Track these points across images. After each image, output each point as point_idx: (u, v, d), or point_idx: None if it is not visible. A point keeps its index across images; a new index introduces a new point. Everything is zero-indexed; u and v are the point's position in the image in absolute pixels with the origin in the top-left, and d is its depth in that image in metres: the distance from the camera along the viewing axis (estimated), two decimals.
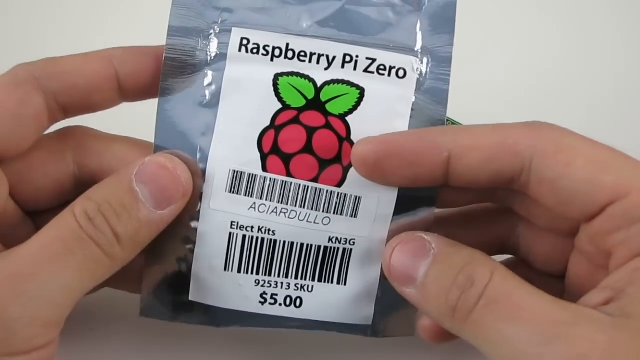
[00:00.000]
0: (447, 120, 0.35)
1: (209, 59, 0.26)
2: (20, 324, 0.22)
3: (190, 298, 0.27)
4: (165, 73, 0.25)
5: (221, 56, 0.25)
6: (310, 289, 0.27)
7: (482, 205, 0.29)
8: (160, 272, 0.26)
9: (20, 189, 0.26)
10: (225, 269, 0.26)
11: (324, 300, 0.27)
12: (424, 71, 0.26)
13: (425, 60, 0.26)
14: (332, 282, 0.27)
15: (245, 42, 0.25)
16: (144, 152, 0.26)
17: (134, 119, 0.28)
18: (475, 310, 0.22)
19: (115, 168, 0.26)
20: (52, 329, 0.23)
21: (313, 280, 0.26)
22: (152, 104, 0.26)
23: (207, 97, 0.26)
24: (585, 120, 0.38)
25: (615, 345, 0.20)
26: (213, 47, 0.25)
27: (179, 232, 0.26)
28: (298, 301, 0.27)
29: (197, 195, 0.26)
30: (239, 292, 0.26)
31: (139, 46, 0.26)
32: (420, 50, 0.26)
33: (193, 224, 0.26)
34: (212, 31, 0.25)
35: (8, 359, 0.22)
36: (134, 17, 0.27)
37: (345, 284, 0.27)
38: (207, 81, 0.26)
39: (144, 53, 0.26)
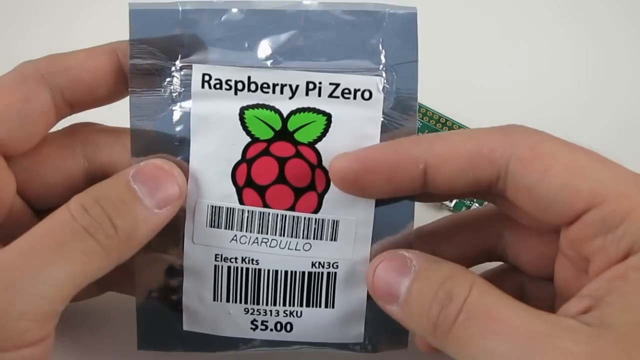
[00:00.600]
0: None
1: (174, 96, 0.25)
2: (8, 318, 0.21)
3: (185, 328, 0.27)
4: (133, 116, 0.26)
5: (186, 94, 0.25)
6: (299, 314, 0.27)
7: (468, 213, 0.28)
8: (153, 308, 0.27)
9: (31, 186, 0.26)
10: (214, 300, 0.27)
11: (314, 324, 0.27)
12: (390, 90, 0.25)
13: (390, 78, 0.25)
14: (319, 307, 0.27)
15: (207, 77, 0.25)
16: None
17: None
18: (455, 326, 0.22)
19: (125, 160, 0.26)
20: (44, 323, 0.22)
21: (301, 305, 0.27)
22: None
23: (178, 136, 0.26)
24: (582, 120, 0.38)
25: (593, 356, 0.19)
26: (176, 85, 0.25)
27: (167, 267, 0.27)
28: (288, 326, 0.27)
29: (179, 231, 0.26)
30: (230, 319, 0.27)
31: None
32: (384, 69, 0.25)
33: (179, 261, 0.26)
34: (173, 68, 0.25)
35: (1, 355, 0.22)
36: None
37: (333, 307, 0.27)
38: (175, 119, 0.26)
39: None
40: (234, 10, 0.25)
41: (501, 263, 0.29)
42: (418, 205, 0.26)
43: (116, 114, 0.27)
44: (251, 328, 0.27)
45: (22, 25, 0.41)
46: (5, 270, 0.22)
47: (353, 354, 0.28)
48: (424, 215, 0.34)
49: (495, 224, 0.28)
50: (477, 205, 0.35)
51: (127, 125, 0.27)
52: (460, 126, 0.36)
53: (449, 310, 0.22)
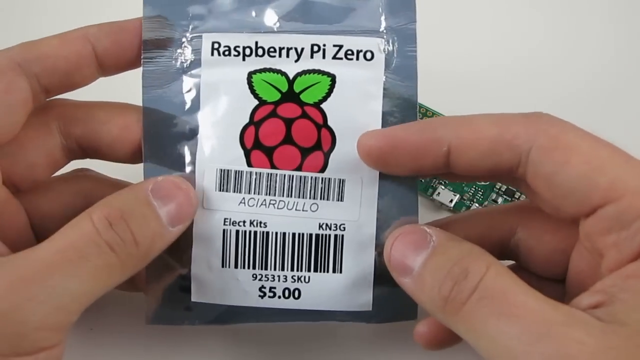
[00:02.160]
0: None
1: (185, 66, 0.27)
2: (30, 327, 0.22)
3: (193, 299, 0.27)
4: (145, 85, 0.27)
5: (196, 62, 0.27)
6: (307, 280, 0.27)
7: (482, 208, 0.29)
8: (161, 281, 0.27)
9: (15, 168, 0.26)
10: (222, 266, 0.27)
11: (322, 290, 0.27)
12: (390, 50, 0.26)
13: (391, 40, 0.27)
14: (327, 272, 0.27)
15: (216, 45, 0.26)
16: (123, 115, 0.27)
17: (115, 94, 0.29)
18: (467, 303, 0.22)
19: (99, 132, 0.26)
20: (60, 332, 0.23)
21: (309, 270, 0.27)
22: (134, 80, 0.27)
23: (188, 104, 0.27)
24: (584, 111, 0.39)
25: (604, 349, 0.20)
26: (187, 55, 0.27)
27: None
28: (296, 293, 0.27)
29: None
30: (238, 287, 0.27)
31: (113, 22, 0.27)
32: (385, 31, 0.27)
33: (188, 227, 0.27)
34: (184, 39, 0.27)
35: (16, 359, 0.22)
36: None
37: (341, 272, 0.27)
38: (185, 88, 0.27)
39: (120, 28, 0.27)
40: None
41: (510, 262, 0.29)
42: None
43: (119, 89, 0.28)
44: (259, 295, 0.27)
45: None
46: (29, 281, 0.22)
47: (362, 324, 0.28)
48: (424, 215, 0.35)
49: (510, 220, 0.28)
50: (477, 205, 0.35)
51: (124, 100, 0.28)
52: None
53: (463, 286, 0.22)
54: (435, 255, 0.24)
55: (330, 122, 0.26)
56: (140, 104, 0.27)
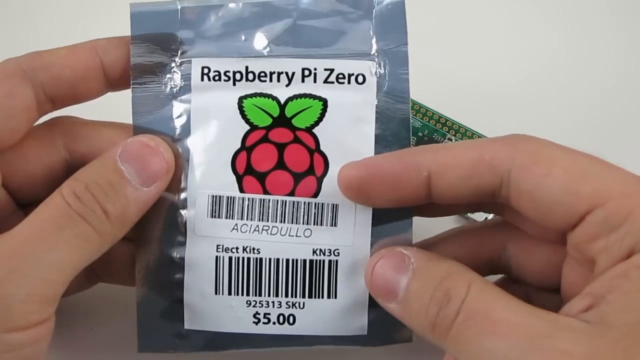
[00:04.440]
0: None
1: (174, 91, 0.26)
2: (16, 300, 0.22)
3: (186, 327, 0.27)
4: (135, 111, 0.26)
5: (186, 87, 0.26)
6: (301, 306, 0.27)
7: (470, 225, 0.29)
8: (153, 308, 0.27)
9: (15, 178, 0.27)
10: (216, 293, 0.26)
11: (317, 316, 0.27)
12: (382, 73, 0.26)
13: (382, 62, 0.26)
14: (322, 297, 0.27)
15: (206, 70, 0.26)
16: (130, 134, 0.26)
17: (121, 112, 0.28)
18: (453, 327, 0.22)
19: (104, 150, 0.26)
20: (47, 305, 0.23)
21: (303, 297, 0.27)
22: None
23: (179, 129, 0.26)
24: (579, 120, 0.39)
25: (591, 357, 0.20)
26: (177, 80, 0.26)
27: (167, 265, 0.27)
28: (291, 318, 0.27)
29: (181, 225, 0.26)
30: (232, 314, 0.27)
31: (123, 36, 0.27)
32: (376, 54, 0.26)
33: (179, 254, 0.26)
34: (173, 64, 0.26)
35: (7, 335, 0.22)
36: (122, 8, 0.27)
37: (335, 297, 0.27)
38: (176, 113, 0.26)
39: (128, 42, 0.27)
40: (231, 5, 0.27)
41: (502, 276, 0.29)
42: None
43: (114, 111, 0.28)
44: (253, 322, 0.27)
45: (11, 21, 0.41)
46: (10, 256, 0.23)
47: (357, 348, 0.27)
48: (422, 224, 0.35)
49: (498, 235, 0.28)
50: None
51: (122, 120, 0.28)
52: (460, 126, 0.36)
53: (448, 310, 0.22)
54: (415, 278, 0.24)
55: (322, 147, 0.26)
56: None
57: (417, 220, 0.27)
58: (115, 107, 0.27)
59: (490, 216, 0.34)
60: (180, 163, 0.26)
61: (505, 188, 0.24)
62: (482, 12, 0.42)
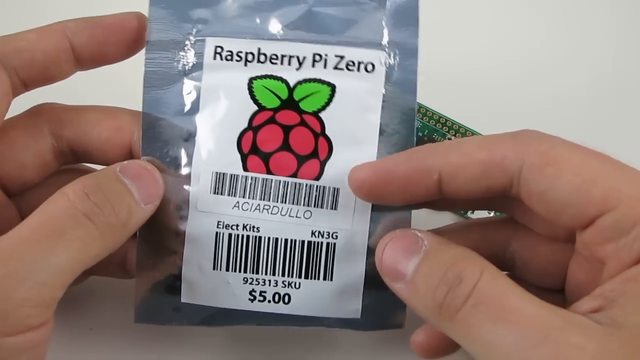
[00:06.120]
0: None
1: (186, 69, 0.27)
2: (13, 304, 0.22)
3: (183, 300, 0.27)
4: (146, 85, 0.27)
5: (198, 65, 0.27)
6: (297, 286, 0.27)
7: (476, 220, 0.29)
8: (151, 280, 0.27)
9: (4, 168, 0.27)
10: (214, 268, 0.27)
11: (312, 296, 0.27)
12: (392, 64, 0.27)
13: (392, 53, 0.27)
14: (318, 279, 0.27)
15: (219, 50, 0.27)
16: (114, 117, 0.27)
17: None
18: (462, 309, 0.21)
19: (90, 134, 0.27)
20: (45, 309, 0.23)
21: (299, 277, 0.27)
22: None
23: (188, 106, 0.27)
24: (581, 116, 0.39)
25: (604, 353, 0.19)
26: (190, 58, 0.27)
27: (167, 238, 0.27)
28: (286, 298, 0.27)
29: (184, 200, 0.27)
30: (229, 290, 0.27)
31: (91, 17, 0.27)
32: (387, 44, 0.27)
33: (181, 228, 0.27)
34: (187, 42, 0.27)
35: (3, 340, 0.22)
36: None
37: (331, 280, 0.27)
38: (186, 90, 0.27)
39: (97, 23, 0.27)
40: None
41: (505, 272, 0.29)
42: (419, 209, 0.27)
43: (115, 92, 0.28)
44: (249, 299, 0.27)
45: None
46: (7, 258, 0.22)
47: (349, 331, 0.28)
48: (425, 218, 0.35)
49: (504, 231, 0.28)
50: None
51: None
52: (460, 126, 0.37)
53: (458, 292, 0.22)
54: (427, 259, 0.23)
55: (327, 131, 0.27)
56: (135, 108, 0.28)
57: (415, 214, 0.27)
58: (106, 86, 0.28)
59: (493, 214, 0.35)
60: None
61: (516, 187, 0.24)
62: (482, 12, 0.42)
